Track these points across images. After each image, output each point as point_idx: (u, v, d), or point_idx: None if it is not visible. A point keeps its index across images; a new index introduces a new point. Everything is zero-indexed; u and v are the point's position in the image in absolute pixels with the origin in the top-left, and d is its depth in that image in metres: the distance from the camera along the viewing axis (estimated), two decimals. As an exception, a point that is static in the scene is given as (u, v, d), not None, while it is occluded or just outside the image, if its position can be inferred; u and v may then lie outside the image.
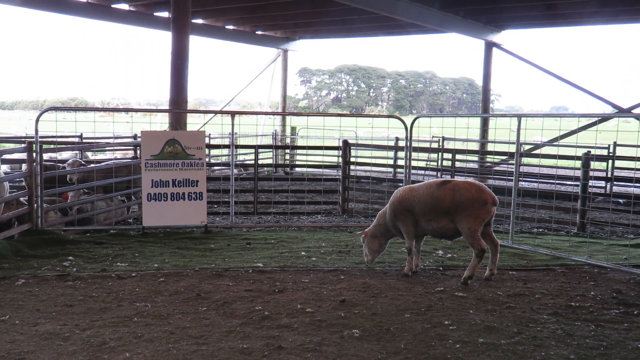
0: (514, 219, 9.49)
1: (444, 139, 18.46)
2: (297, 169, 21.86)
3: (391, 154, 19.59)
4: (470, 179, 7.83)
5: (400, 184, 13.90)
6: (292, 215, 12.32)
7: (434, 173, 17.77)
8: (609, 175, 15.68)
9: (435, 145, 19.20)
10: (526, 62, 19.68)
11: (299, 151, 22.76)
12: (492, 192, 7.07)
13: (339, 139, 17.49)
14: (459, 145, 20.11)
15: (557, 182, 14.69)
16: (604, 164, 17.91)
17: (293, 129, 24.62)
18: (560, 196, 13.50)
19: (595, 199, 14.67)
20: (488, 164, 18.46)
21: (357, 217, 12.30)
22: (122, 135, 19.89)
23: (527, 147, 18.02)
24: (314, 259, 8.19)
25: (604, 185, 16.11)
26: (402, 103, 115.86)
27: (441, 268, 7.76)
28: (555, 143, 15.69)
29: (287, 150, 23.00)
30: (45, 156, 10.47)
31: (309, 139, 22.64)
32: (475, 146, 20.84)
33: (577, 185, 12.18)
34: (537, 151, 19.12)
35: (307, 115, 17.05)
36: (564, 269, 7.84)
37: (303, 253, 8.52)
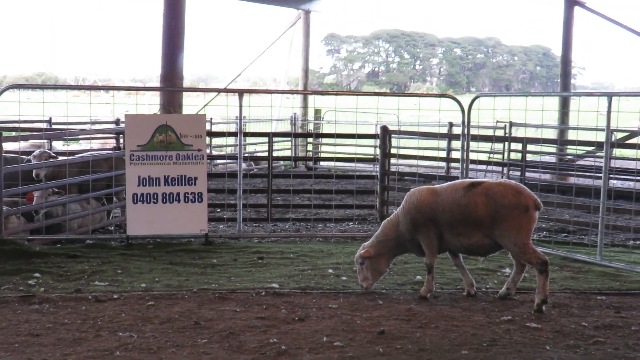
0: (603, 228, 9.36)
1: (511, 124, 18.25)
2: (323, 164, 21.84)
3: (443, 143, 19.47)
4: (503, 179, 7.76)
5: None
6: (317, 222, 12.32)
7: (499, 169, 17.63)
8: None
9: (500, 132, 19.01)
10: (618, 25, 19.39)
11: (324, 140, 22.75)
12: (533, 193, 7.06)
13: (376, 125, 17.49)
14: (531, 133, 19.91)
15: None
16: None
17: (317, 112, 24.64)
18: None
19: None
20: (569, 157, 18.24)
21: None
22: (102, 120, 20.09)
23: (619, 135, 17.76)
24: (344, 278, 8.17)
25: None
26: (457, 78, 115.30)
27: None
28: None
29: (310, 140, 23.03)
30: (5, 146, 10.59)
31: (337, 124, 22.61)
32: (552, 134, 20.60)
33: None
34: (632, 140, 18.82)
35: (335, 95, 17.04)
36: (669, 293, 7.72)
37: (330, 271, 8.50)
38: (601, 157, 11.97)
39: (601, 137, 10.01)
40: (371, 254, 7.50)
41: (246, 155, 17.99)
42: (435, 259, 7.39)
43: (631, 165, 17.25)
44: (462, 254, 7.51)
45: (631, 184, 15.79)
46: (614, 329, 6.42)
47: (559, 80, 21.08)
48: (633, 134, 18.28)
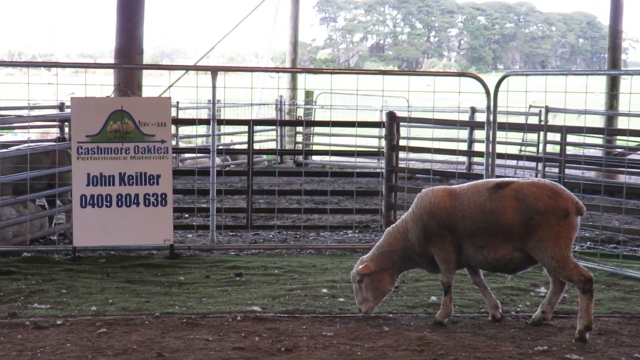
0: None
1: (547, 109, 18.31)
2: (315, 158, 21.84)
3: (464, 133, 19.50)
4: (537, 178, 7.78)
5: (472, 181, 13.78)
6: (308, 230, 12.32)
7: (532, 164, 17.70)
8: None
9: (534, 120, 19.06)
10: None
11: (317, 129, 22.75)
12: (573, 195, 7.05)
13: (380, 111, 17.50)
14: (572, 121, 19.96)
15: None
16: None
17: (308, 94, 24.61)
18: None
19: None
20: (619, 150, 18.29)
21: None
22: (42, 105, 20.05)
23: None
24: (341, 299, 8.17)
25: None
26: (481, 53, 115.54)
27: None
28: None
29: (300, 129, 23.02)
30: None
31: (333, 109, 22.51)
32: (598, 121, 20.64)
33: None
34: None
35: (331, 73, 17.02)
36: None
37: (324, 290, 8.50)
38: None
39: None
40: (371, 269, 7.43)
41: (221, 147, 17.94)
42: (454, 277, 7.39)
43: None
44: (486, 271, 7.53)
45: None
46: (674, 361, 6.43)
47: (606, 56, 21.10)
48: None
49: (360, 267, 7.47)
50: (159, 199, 9.98)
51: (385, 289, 7.59)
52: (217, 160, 12.99)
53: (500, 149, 12.33)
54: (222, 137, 20.81)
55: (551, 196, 6.93)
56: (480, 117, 18.84)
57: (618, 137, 18.34)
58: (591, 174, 17.35)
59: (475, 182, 7.48)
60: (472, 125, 18.66)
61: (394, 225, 7.72)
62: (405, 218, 7.56)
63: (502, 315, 7.50)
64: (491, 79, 11.02)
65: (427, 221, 7.32)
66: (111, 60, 13.01)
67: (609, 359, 6.45)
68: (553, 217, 6.86)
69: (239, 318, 7.44)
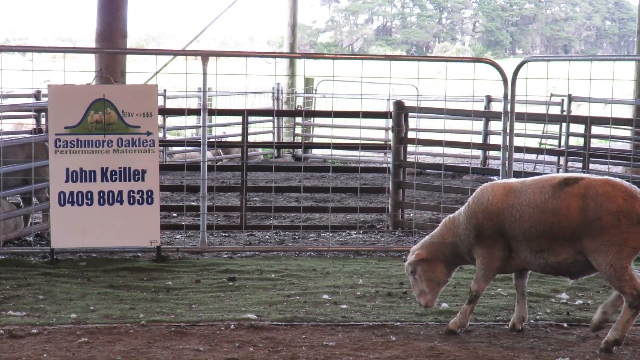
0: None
1: (570, 98, 18.33)
2: (315, 152, 21.85)
3: (479, 124, 19.52)
4: (612, 177, 7.64)
5: (495, 178, 13.85)
6: (307, 230, 12.34)
7: (554, 159, 17.70)
8: None
9: (556, 110, 19.07)
10: None
11: (318, 120, 22.75)
12: None
13: (387, 100, 17.49)
14: (597, 111, 19.96)
15: None
16: None
17: (308, 82, 24.62)
18: None
19: None
20: (648, 144, 18.29)
21: (420, 234, 12.28)
22: (16, 93, 20.04)
23: None
24: (344, 306, 8.19)
25: None
26: (498, 37, 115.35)
27: (565, 324, 7.73)
28: None
29: (299, 119, 23.04)
30: None
31: (335, 98, 22.52)
32: (626, 111, 20.63)
33: None
34: None
35: (333, 58, 17.06)
36: None
37: (326, 297, 8.52)
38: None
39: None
40: (423, 256, 7.45)
41: (212, 140, 17.98)
42: (486, 287, 7.36)
43: None
44: (545, 274, 7.45)
45: None
46: None
47: (635, 39, 21.10)
48: None
49: (412, 256, 7.50)
50: (145, 196, 10.00)
51: (440, 279, 7.54)
52: (208, 154, 13.02)
53: (518, 141, 12.39)
54: (213, 128, 20.84)
55: (627, 198, 6.78)
56: (497, 107, 18.88)
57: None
58: (618, 170, 17.32)
59: (539, 177, 7.36)
60: (488, 115, 18.69)
61: (451, 215, 7.66)
62: (461, 210, 7.51)
63: (523, 328, 7.50)
64: (509, 65, 11.05)
65: (480, 220, 7.26)
66: (92, 44, 13.01)
67: (636, 372, 6.48)
68: (625, 221, 6.71)
69: (232, 327, 7.45)
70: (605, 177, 7.28)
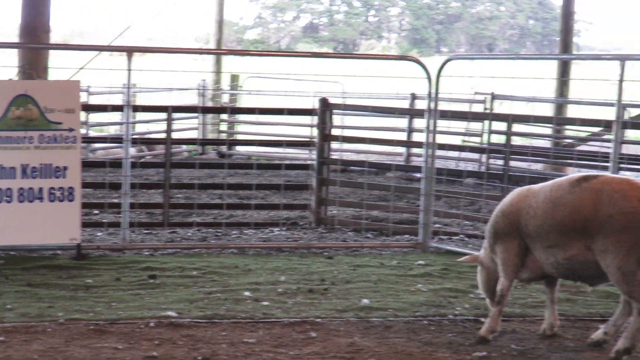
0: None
1: (493, 96, 18.57)
2: (240, 149, 21.82)
3: (403, 122, 19.67)
4: (631, 178, 7.44)
5: (417, 175, 13.93)
6: (230, 227, 12.32)
7: (476, 156, 17.93)
8: None
9: (479, 107, 19.31)
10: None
11: (243, 117, 22.71)
12: None
13: (313, 97, 17.54)
14: (519, 108, 20.23)
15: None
16: None
17: (234, 78, 24.58)
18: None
19: None
20: (568, 141, 18.61)
21: (343, 231, 12.35)
22: None
23: (634, 113, 18.18)
24: (265, 303, 8.21)
25: None
26: (423, 35, 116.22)
27: (483, 319, 7.73)
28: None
29: (224, 116, 22.98)
30: None
31: (261, 95, 22.55)
32: (547, 109, 20.97)
33: None
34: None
35: (259, 55, 17.15)
36: None
37: (247, 293, 8.53)
38: (609, 140, 12.26)
39: (611, 114, 10.18)
40: (477, 260, 7.66)
41: (136, 136, 17.86)
42: (511, 287, 7.27)
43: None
44: (562, 278, 7.34)
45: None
46: None
47: (557, 39, 21.48)
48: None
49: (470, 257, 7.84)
50: (66, 193, 9.89)
51: (492, 286, 7.47)
52: (132, 150, 12.90)
53: (441, 139, 12.50)
54: (137, 125, 20.68)
55: None
56: (422, 105, 18.99)
57: (568, 127, 18.65)
58: (538, 167, 17.62)
59: (562, 178, 7.26)
60: (412, 113, 18.81)
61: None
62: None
63: (552, 331, 7.44)
64: (434, 63, 11.15)
65: (498, 219, 7.28)
66: (15, 39, 12.84)
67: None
68: (635, 223, 6.52)
69: (152, 324, 7.44)
70: (626, 176, 7.22)
